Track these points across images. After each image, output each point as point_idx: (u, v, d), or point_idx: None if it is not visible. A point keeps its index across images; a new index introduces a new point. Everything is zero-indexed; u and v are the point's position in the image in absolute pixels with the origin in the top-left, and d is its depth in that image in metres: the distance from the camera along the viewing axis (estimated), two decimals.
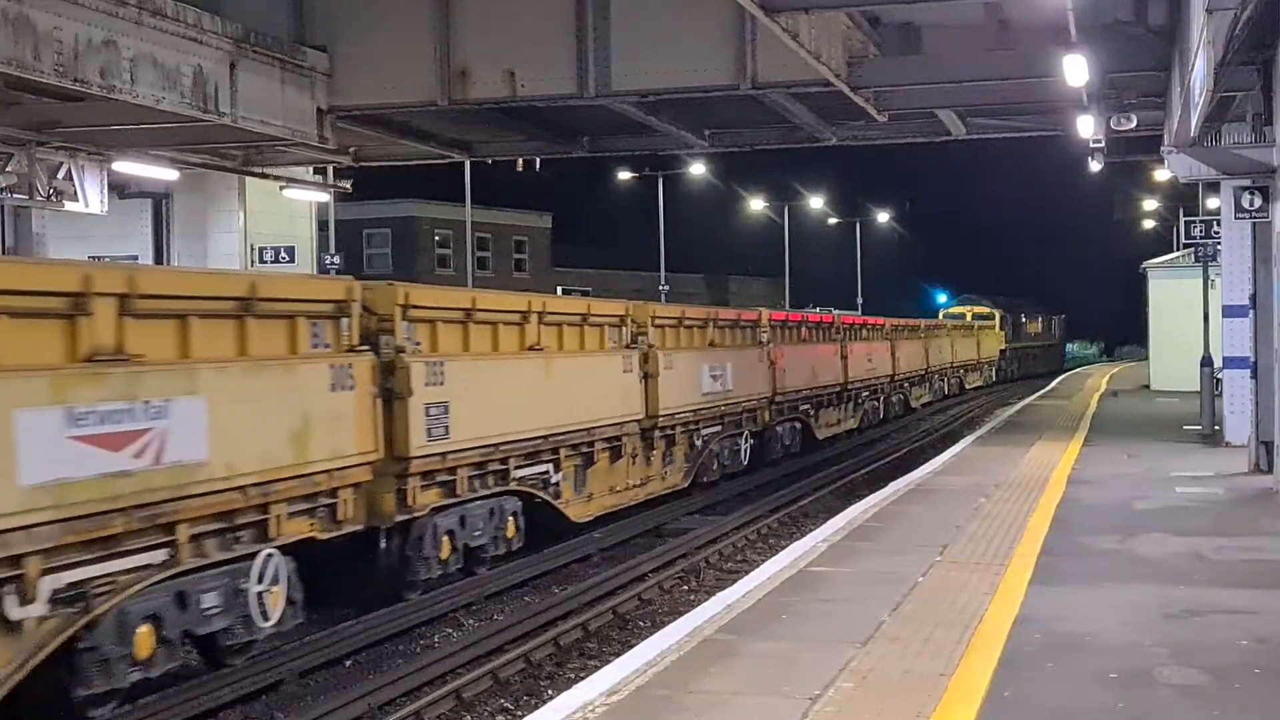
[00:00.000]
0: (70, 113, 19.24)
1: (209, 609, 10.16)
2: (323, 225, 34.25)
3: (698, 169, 55.16)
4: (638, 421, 18.63)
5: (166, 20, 17.36)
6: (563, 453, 16.34)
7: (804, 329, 28.33)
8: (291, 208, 29.24)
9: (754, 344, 24.51)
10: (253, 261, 28.07)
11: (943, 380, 47.95)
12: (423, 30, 20.43)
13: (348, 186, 30.08)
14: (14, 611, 8.31)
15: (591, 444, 17.15)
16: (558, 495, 16.31)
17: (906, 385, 39.98)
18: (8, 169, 20.96)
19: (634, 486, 18.90)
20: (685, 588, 15.43)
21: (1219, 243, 23.39)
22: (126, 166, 23.32)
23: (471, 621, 13.50)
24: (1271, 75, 14.72)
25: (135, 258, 26.61)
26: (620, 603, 14.11)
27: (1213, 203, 27.13)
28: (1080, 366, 77.86)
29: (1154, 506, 15.32)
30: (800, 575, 11.45)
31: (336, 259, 35.61)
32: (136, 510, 9.19)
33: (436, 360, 13.28)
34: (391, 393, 12.53)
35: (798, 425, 27.14)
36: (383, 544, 13.09)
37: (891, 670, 8.19)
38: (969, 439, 26.11)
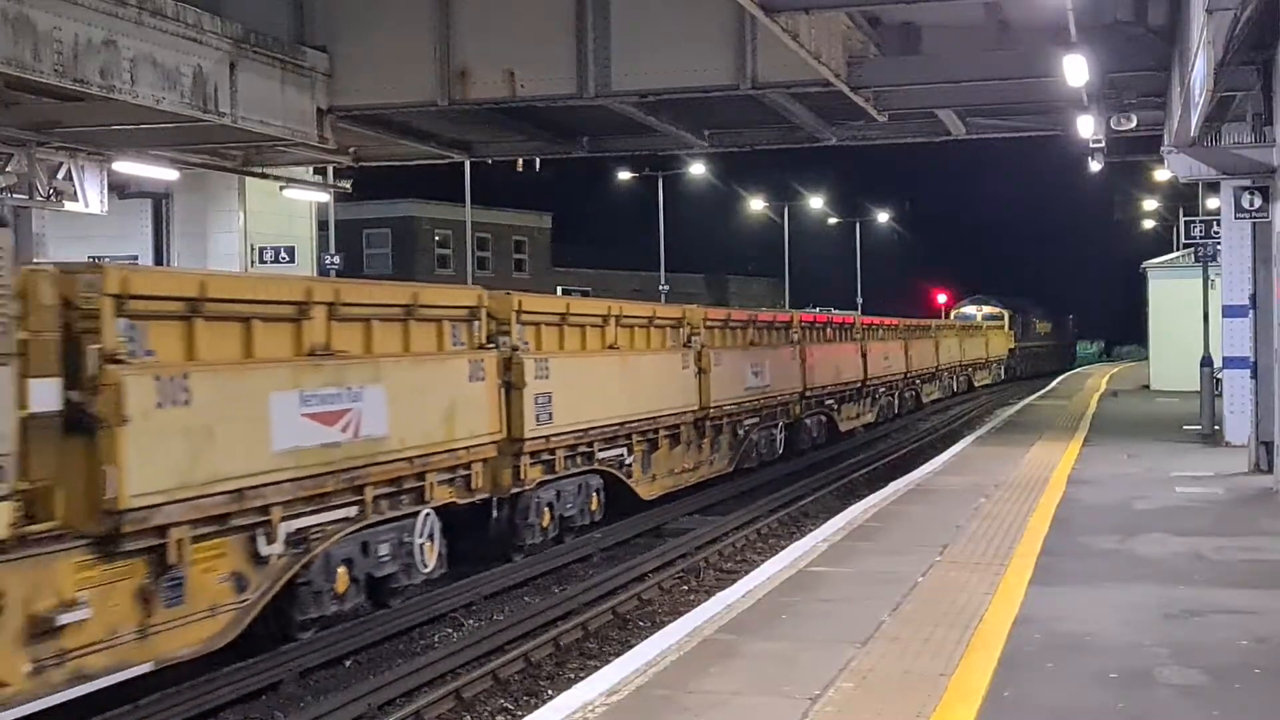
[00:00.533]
0: (70, 113, 19.23)
1: (383, 557, 12.63)
2: (323, 225, 34.22)
3: (698, 169, 55.15)
4: (693, 412, 21.01)
5: (166, 20, 17.36)
6: (634, 438, 18.79)
7: (829, 329, 30.70)
8: (291, 208, 29.23)
9: (788, 343, 26.88)
10: (252, 262, 28.07)
11: (952, 378, 50.42)
12: (423, 30, 20.42)
13: (348, 186, 30.08)
14: (264, 549, 10.84)
15: (656, 431, 19.58)
16: (629, 475, 18.75)
17: (918, 382, 42.23)
18: (8, 169, 20.95)
19: (688, 470, 21.32)
20: (685, 588, 15.43)
21: (1219, 243, 23.39)
22: (126, 166, 23.32)
23: (471, 621, 13.51)
24: (1271, 75, 14.73)
25: (135, 258, 26.60)
26: (620, 603, 14.11)
27: (1213, 203, 27.13)
28: (1084, 365, 78.48)
29: (1154, 506, 15.33)
30: (800, 575, 11.45)
31: (336, 259, 35.58)
32: (342, 474, 11.71)
33: (543, 357, 15.86)
34: (509, 384, 14.99)
35: (823, 418, 29.49)
36: (494, 513, 15.39)
37: (891, 670, 8.19)
38: (969, 439, 26.11)
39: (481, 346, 14.48)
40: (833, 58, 18.06)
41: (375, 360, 12.36)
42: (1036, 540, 12.85)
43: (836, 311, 39.06)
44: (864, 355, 32.82)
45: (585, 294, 42.47)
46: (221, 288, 10.70)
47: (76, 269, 9.54)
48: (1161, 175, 37.27)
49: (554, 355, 16.21)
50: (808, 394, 27.38)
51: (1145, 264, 43.13)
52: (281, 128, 19.97)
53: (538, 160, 28.46)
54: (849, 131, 25.46)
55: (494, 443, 14.52)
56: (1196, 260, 26.70)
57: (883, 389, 35.81)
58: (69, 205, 22.68)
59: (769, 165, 64.60)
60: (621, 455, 18.37)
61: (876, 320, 38.01)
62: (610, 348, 18.18)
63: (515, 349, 15.21)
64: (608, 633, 13.25)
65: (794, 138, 25.91)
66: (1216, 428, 23.20)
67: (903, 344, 39.04)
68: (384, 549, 12.61)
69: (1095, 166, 22.94)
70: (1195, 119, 14.80)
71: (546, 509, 16.27)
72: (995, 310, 68.24)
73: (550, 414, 15.80)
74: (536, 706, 9.50)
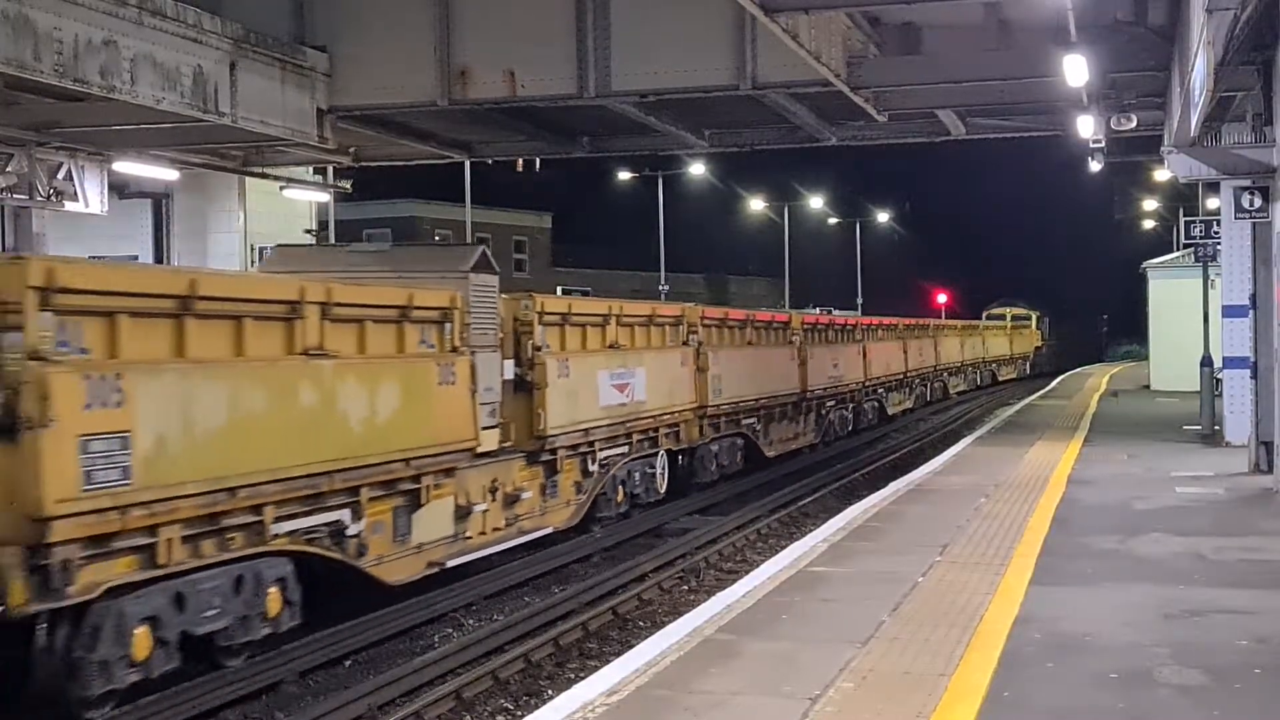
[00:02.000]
0: (70, 113, 19.23)
1: (638, 481, 19.19)
2: (323, 225, 34.21)
3: (698, 169, 55.13)
4: (796, 394, 27.36)
5: (166, 20, 17.36)
6: (762, 412, 25.05)
7: (880, 330, 37.25)
8: (291, 208, 29.21)
9: (854, 342, 33.12)
10: (252, 262, 28.05)
11: (976, 372, 57.00)
12: (423, 30, 20.43)
13: (348, 186, 30.06)
14: (589, 468, 17.45)
15: (774, 408, 25.92)
16: (759, 438, 25.02)
17: (945, 375, 49.10)
18: (8, 169, 20.95)
19: (791, 439, 27.57)
20: (685, 588, 15.42)
21: (1219, 243, 23.38)
22: (126, 166, 23.31)
23: (471, 621, 13.50)
24: (1271, 75, 14.72)
25: (135, 258, 26.58)
26: (620, 603, 14.11)
27: (1213, 203, 27.12)
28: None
29: (1154, 506, 15.33)
30: (800, 575, 11.45)
31: None
32: (625, 424, 18.35)
33: (717, 351, 22.45)
34: (699, 369, 21.48)
35: (878, 404, 36.62)
36: (681, 460, 21.29)
37: (891, 670, 8.19)
38: (969, 439, 26.11)
39: (684, 344, 21.32)
40: (833, 58, 18.06)
41: (639, 351, 19.30)
42: (1036, 540, 12.85)
43: (837, 312, 39.65)
44: (904, 351, 39.62)
45: (585, 294, 43.19)
46: (582, 305, 18.62)
47: (518, 297, 16.39)
48: (1161, 175, 37.26)
49: (716, 349, 22.50)
50: (866, 384, 33.93)
51: (1145, 264, 43.11)
52: (281, 128, 19.97)
53: (538, 160, 28.47)
54: (849, 131, 25.47)
55: (692, 409, 21.10)
56: (1196, 260, 26.68)
57: (917, 380, 42.34)
58: (69, 205, 22.66)
59: (769, 165, 64.57)
60: (754, 423, 24.48)
61: (910, 321, 44.18)
62: (749, 344, 24.89)
63: (701, 344, 21.87)
64: (608, 633, 13.25)
65: (794, 138, 25.91)
66: (1216, 428, 23.20)
67: (933, 341, 45.66)
68: (637, 476, 19.21)
69: (1095, 166, 22.94)
70: (1195, 119, 14.80)
71: (714, 458, 22.46)
72: (1023, 311, 74.01)
73: (720, 391, 22.17)
74: (536, 706, 9.49)
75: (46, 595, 8.78)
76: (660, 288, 56.66)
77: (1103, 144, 21.13)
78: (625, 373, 18.34)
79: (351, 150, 25.11)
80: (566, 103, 20.94)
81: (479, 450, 14.19)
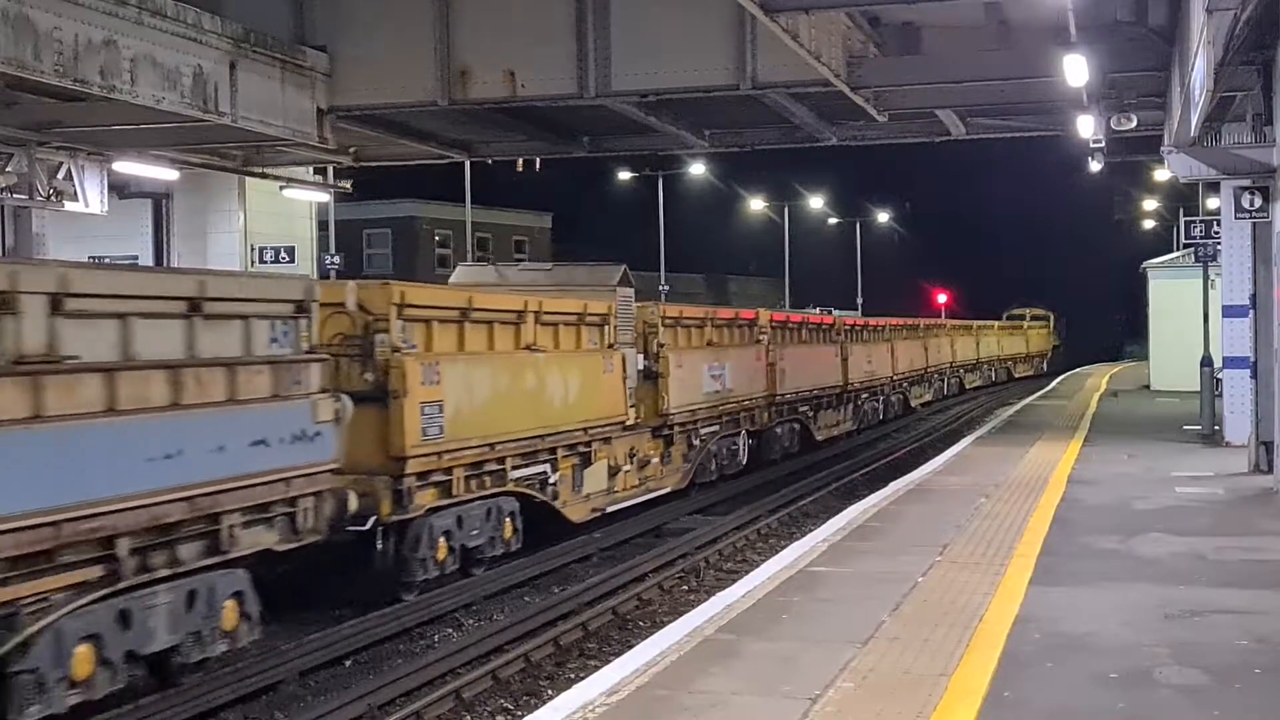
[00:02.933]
0: (70, 113, 19.23)
1: (725, 455, 23.25)
2: (323, 225, 34.24)
3: (698, 169, 55.12)
4: (840, 387, 31.04)
5: (166, 20, 17.36)
6: (812, 403, 29.33)
7: (905, 330, 41.36)
8: (291, 208, 29.23)
9: (884, 340, 36.66)
10: (252, 262, 28.06)
11: (991, 369, 61.28)
12: (423, 30, 20.42)
13: (348, 186, 30.08)
14: (694, 442, 21.54)
15: (821, 399, 29.85)
16: (812, 422, 28.80)
17: (961, 371, 53.19)
18: (8, 169, 20.95)
19: (837, 425, 31.42)
20: (685, 588, 15.43)
21: (1219, 243, 23.38)
22: (126, 166, 23.32)
23: (471, 621, 13.50)
24: (1271, 75, 14.73)
25: (135, 258, 26.61)
26: (620, 603, 14.11)
27: (1213, 203, 27.12)
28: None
29: (1154, 506, 15.32)
30: (800, 575, 11.45)
31: (337, 259, 35.61)
32: (718, 408, 22.27)
33: (782, 347, 26.04)
34: (771, 364, 25.11)
35: (903, 396, 40.28)
36: (751, 443, 24.60)
37: (891, 670, 8.19)
38: (969, 439, 26.11)
39: (757, 341, 25.14)
40: (833, 58, 18.05)
41: (728, 348, 23.25)
42: (1036, 540, 12.84)
43: (837, 313, 39.90)
44: (925, 349, 43.47)
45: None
46: (689, 311, 22.85)
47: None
48: (1161, 175, 37.27)
49: (785, 347, 26.49)
50: (894, 379, 38.01)
51: (1145, 264, 43.10)
52: (281, 128, 19.97)
53: (538, 160, 28.46)
54: (849, 131, 25.46)
55: (764, 398, 24.84)
56: (1196, 260, 26.69)
57: (936, 375, 46.71)
58: (69, 205, 22.68)
59: (769, 165, 64.53)
60: (808, 410, 28.29)
61: (932, 322, 49.69)
62: (803, 343, 28.70)
63: (771, 343, 25.29)
64: (608, 633, 13.25)
65: (794, 138, 25.91)
66: (1216, 428, 23.19)
67: (950, 340, 50.06)
68: (725, 450, 23.21)
69: (1095, 166, 22.94)
70: (1195, 119, 14.80)
71: (778, 440, 26.23)
72: (1041, 311, 79.51)
73: (784, 382, 25.79)
74: (536, 706, 9.49)
75: (399, 510, 13.03)
76: (660, 288, 56.61)
77: (1103, 144, 21.13)
78: (719, 366, 22.40)
79: (351, 150, 25.13)
80: (566, 103, 20.94)
81: (626, 424, 18.62)
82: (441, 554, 13.78)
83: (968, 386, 53.89)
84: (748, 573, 12.93)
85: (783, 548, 14.65)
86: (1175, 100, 17.98)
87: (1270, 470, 17.22)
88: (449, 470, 13.78)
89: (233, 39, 18.66)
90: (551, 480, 16.26)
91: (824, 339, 30.22)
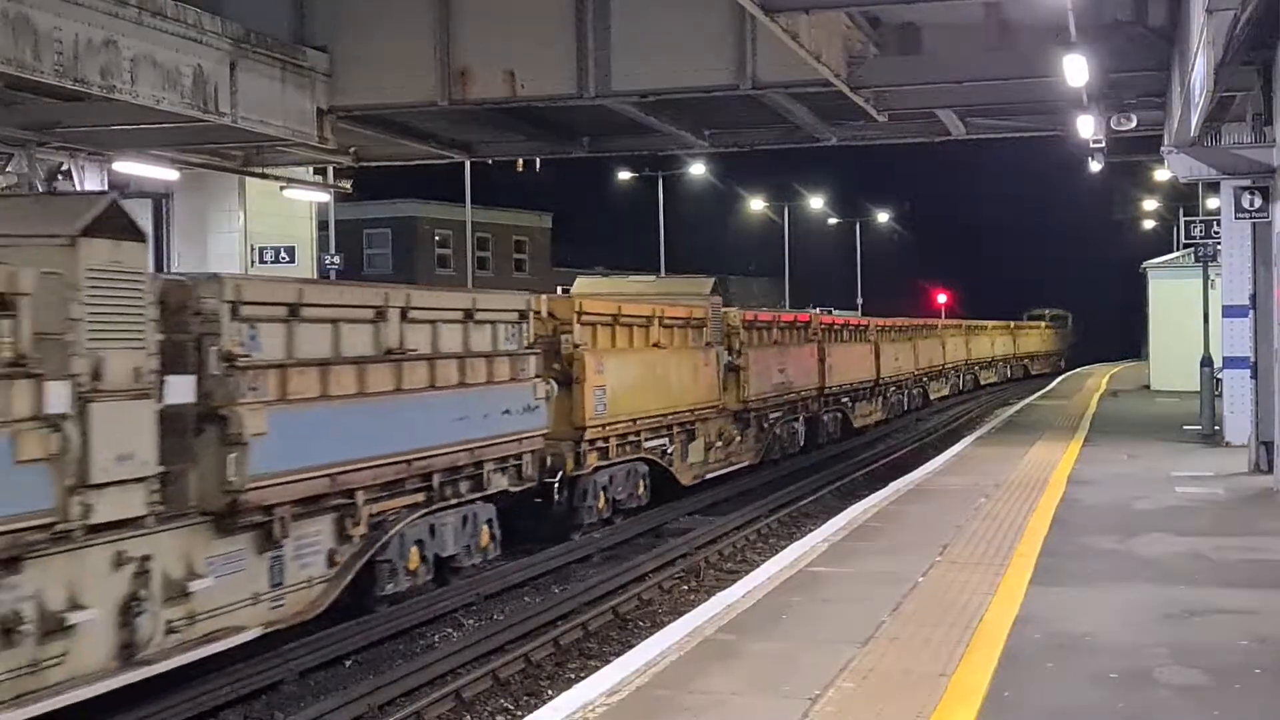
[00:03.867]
0: (70, 113, 19.23)
1: (786, 437, 26.68)
2: (323, 225, 34.21)
3: (698, 169, 55.11)
4: (912, 374, 40.25)
5: (166, 20, 17.35)
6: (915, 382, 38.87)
7: (924, 330, 45.83)
8: (291, 208, 29.23)
9: (907, 339, 40.66)
10: (253, 262, 28.06)
11: (1006, 365, 66.00)
12: (423, 30, 20.41)
13: (348, 186, 30.07)
14: (764, 425, 25.39)
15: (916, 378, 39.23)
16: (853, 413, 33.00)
17: (977, 368, 57.72)
18: (8, 169, 20.95)
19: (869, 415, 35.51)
20: (685, 588, 15.43)
21: (1219, 243, 23.38)
22: (126, 166, 23.31)
23: (471, 621, 13.50)
24: (1271, 75, 14.72)
25: None
26: (620, 603, 14.12)
27: (1213, 203, 27.13)
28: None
29: (1154, 506, 15.33)
30: (800, 575, 11.45)
31: (337, 259, 35.59)
32: (782, 397, 25.95)
33: (830, 345, 29.91)
34: (819, 360, 28.64)
35: (923, 390, 44.39)
36: (804, 428, 28.23)
37: (891, 670, 8.19)
38: (969, 439, 26.11)
39: (809, 340, 28.35)
40: (833, 58, 18.05)
41: (789, 345, 27.00)
42: (1036, 540, 12.85)
43: (837, 313, 40.21)
44: (943, 346, 48.09)
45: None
46: (762, 316, 26.07)
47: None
48: (1161, 175, 37.27)
49: (831, 345, 30.45)
50: (915, 374, 41.86)
51: (1145, 264, 43.08)
52: (281, 128, 19.96)
53: (538, 160, 28.46)
54: (849, 131, 25.46)
55: (815, 390, 28.61)
56: (1196, 260, 26.69)
57: (952, 371, 51.27)
58: None
59: (769, 165, 64.53)
60: (849, 402, 32.44)
61: (951, 322, 55.21)
62: (843, 342, 32.26)
63: (820, 341, 29.25)
64: (608, 633, 13.25)
65: (794, 138, 25.90)
66: (1216, 428, 23.19)
67: (965, 339, 54.80)
68: (786, 433, 26.92)
69: (1095, 166, 22.94)
70: (1195, 119, 14.80)
71: (825, 426, 30.00)
72: (1060, 312, 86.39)
73: (831, 376, 29.74)
74: (536, 706, 9.49)
75: (578, 468, 17.27)
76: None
77: (1103, 144, 21.12)
78: (783, 361, 26.21)
79: (351, 150, 25.11)
80: (566, 103, 20.93)
81: (718, 408, 22.54)
82: (601, 504, 18.01)
83: (983, 382, 58.49)
84: (748, 573, 12.93)
85: (783, 548, 14.65)
86: (1175, 100, 17.97)
87: (1270, 470, 17.22)
88: (607, 439, 18.11)
89: (233, 39, 18.66)
90: (669, 451, 20.50)
91: (860, 338, 34.05)
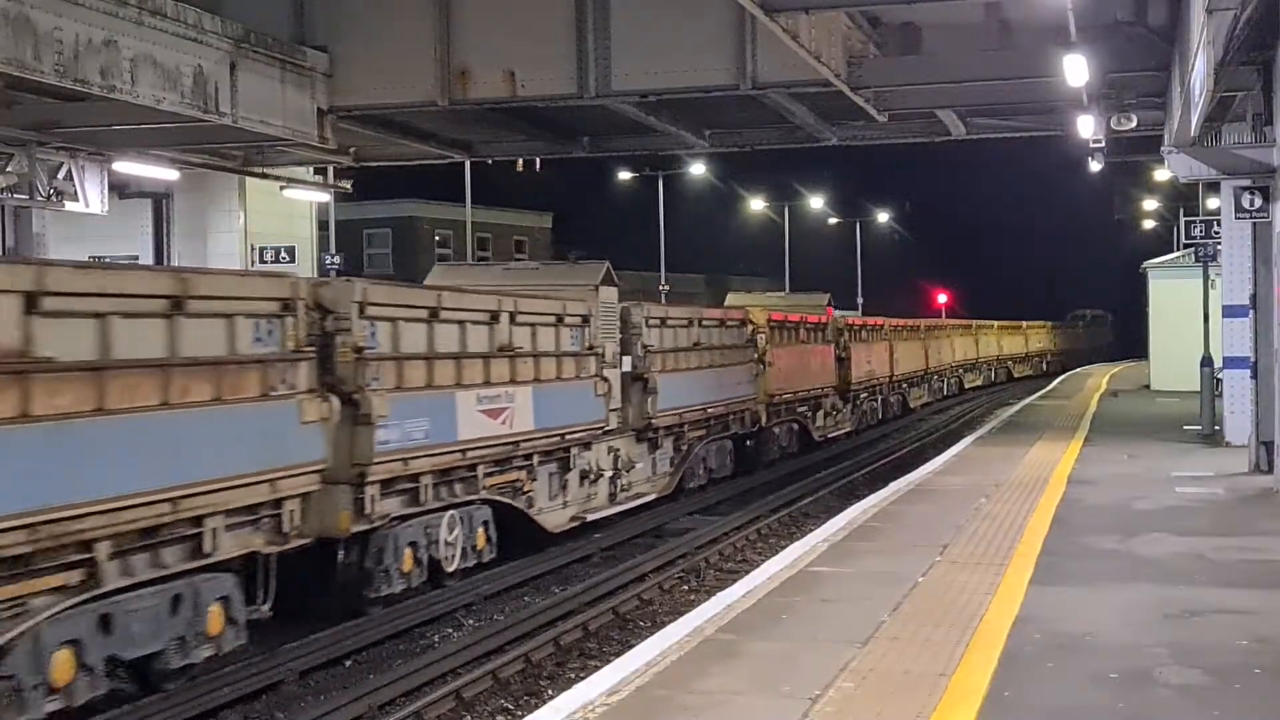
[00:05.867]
0: (70, 113, 19.23)
1: (867, 411, 36.08)
2: (323, 225, 34.23)
3: (698, 169, 55.08)
4: (924, 370, 45.80)
5: (166, 20, 17.34)
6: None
7: (970, 329, 57.41)
8: (292, 208, 29.24)
9: (947, 337, 50.31)
10: (253, 262, 28.07)
11: (1042, 361, 74.95)
12: (423, 30, 20.40)
13: (348, 186, 30.06)
14: (858, 403, 34.80)
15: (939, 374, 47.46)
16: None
17: (1010, 362, 67.56)
18: (8, 169, 20.95)
19: (920, 398, 45.02)
20: (685, 588, 15.43)
21: (1219, 243, 23.38)
22: (126, 166, 23.31)
23: (471, 621, 13.51)
24: (1271, 75, 14.72)
25: (135, 257, 26.61)
26: (620, 603, 14.12)
27: (1213, 203, 27.11)
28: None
29: (1154, 506, 15.33)
30: (800, 575, 11.45)
31: (337, 259, 35.59)
32: (872, 383, 36.41)
33: (897, 342, 39.95)
34: (841, 358, 32.28)
35: (959, 380, 53.41)
36: (874, 402, 36.74)
37: (891, 670, 8.19)
38: (969, 439, 26.11)
39: (829, 342, 31.56)
40: (833, 58, 18.04)
41: (877, 342, 36.34)
42: (1036, 540, 12.85)
43: (837, 313, 40.41)
44: (976, 343, 57.75)
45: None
46: (856, 320, 37.00)
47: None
48: (1161, 175, 37.26)
49: (898, 341, 39.98)
50: (954, 366, 51.69)
51: (1145, 264, 43.08)
52: (282, 128, 19.96)
53: (538, 160, 28.45)
54: (849, 131, 25.45)
55: (833, 387, 31.79)
56: (1196, 260, 26.69)
57: (985, 364, 60.60)
58: (69, 205, 22.67)
59: (769, 165, 64.65)
60: (909, 386, 42.13)
61: (983, 321, 63.30)
62: (904, 340, 41.54)
63: (890, 338, 38.23)
64: (608, 633, 13.25)
65: (794, 138, 25.89)
66: (1216, 428, 23.19)
67: (997, 337, 64.37)
68: (868, 409, 35.05)
69: (1095, 166, 22.94)
70: (1195, 119, 14.80)
71: (891, 404, 39.50)
72: (1100, 312, 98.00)
73: (899, 367, 39.63)
74: (536, 706, 9.49)
75: (770, 422, 26.20)
76: (660, 288, 56.60)
77: (1103, 144, 21.13)
78: (871, 354, 34.64)
79: (351, 150, 25.10)
80: (566, 103, 20.92)
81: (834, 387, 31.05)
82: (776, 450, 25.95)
83: (1016, 375, 66.87)
84: (748, 573, 12.93)
85: (783, 548, 14.65)
86: (1175, 100, 17.97)
87: (1270, 470, 17.22)
88: (778, 408, 26.48)
89: (233, 39, 18.65)
90: (810, 416, 29.22)
91: (911, 335, 42.96)
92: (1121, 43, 18.36)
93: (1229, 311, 22.12)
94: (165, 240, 28.10)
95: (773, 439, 26.88)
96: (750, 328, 25.74)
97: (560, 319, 17.31)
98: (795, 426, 28.71)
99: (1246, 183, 17.70)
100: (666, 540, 18.05)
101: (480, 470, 14.69)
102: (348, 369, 12.28)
